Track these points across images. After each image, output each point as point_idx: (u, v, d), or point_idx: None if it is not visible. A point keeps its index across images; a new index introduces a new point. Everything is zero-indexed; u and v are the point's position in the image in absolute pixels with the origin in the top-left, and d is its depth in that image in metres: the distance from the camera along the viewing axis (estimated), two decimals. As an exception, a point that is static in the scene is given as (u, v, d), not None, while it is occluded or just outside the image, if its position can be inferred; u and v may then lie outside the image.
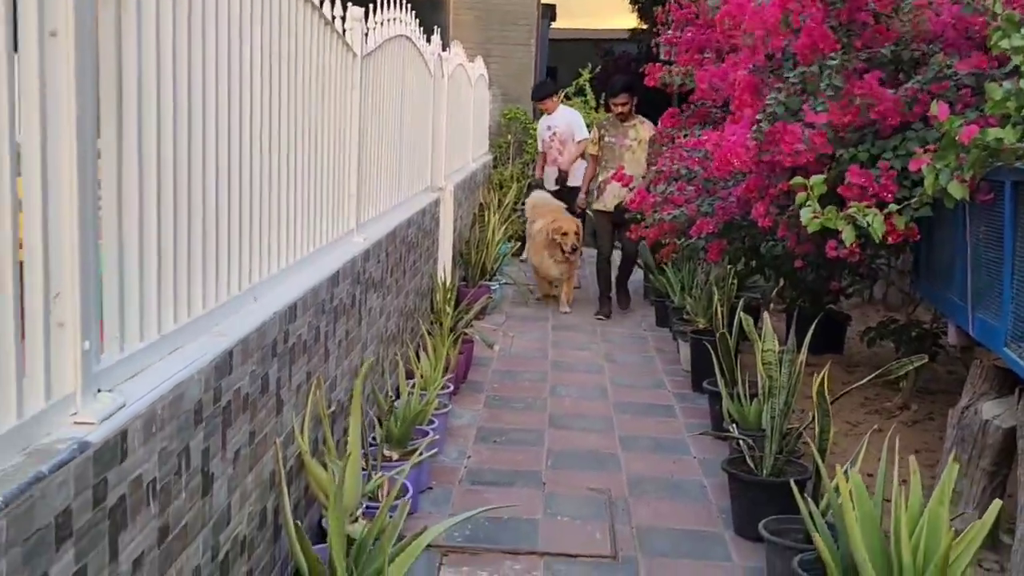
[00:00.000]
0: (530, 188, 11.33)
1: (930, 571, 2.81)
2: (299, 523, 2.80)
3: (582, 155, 9.92)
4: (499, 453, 5.33)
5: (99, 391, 2.04)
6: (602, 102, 13.46)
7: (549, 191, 10.22)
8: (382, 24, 5.13)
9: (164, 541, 2.27)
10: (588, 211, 9.27)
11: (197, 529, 2.48)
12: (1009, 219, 3.71)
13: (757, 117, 4.53)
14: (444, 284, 6.85)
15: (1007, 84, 3.51)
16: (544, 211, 9.27)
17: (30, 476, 1.68)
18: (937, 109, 3.73)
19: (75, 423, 1.93)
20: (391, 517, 3.22)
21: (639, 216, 6.73)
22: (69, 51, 1.87)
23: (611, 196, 8.73)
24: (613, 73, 14.36)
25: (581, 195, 9.18)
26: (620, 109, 8.79)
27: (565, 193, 10.00)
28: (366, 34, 4.70)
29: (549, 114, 10.53)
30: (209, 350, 2.57)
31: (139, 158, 2.27)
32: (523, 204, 10.86)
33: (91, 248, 1.99)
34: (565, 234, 8.63)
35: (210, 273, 2.76)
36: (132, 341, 2.27)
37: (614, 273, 9.12)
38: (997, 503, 3.01)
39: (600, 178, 8.86)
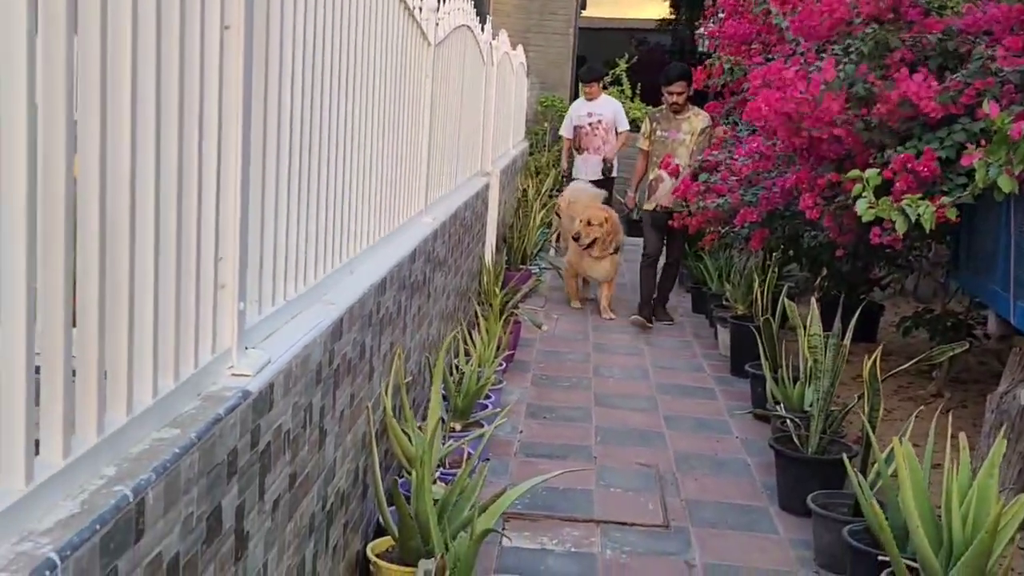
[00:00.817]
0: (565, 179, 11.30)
1: (980, 538, 3.02)
2: (396, 479, 3.03)
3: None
4: (549, 428, 5.57)
5: (246, 348, 2.28)
6: (638, 92, 13.62)
7: (591, 181, 9.85)
8: (449, 14, 5.35)
9: (293, 487, 2.51)
10: (637, 210, 8.54)
11: (314, 479, 2.72)
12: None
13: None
14: (492, 266, 7.08)
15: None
16: (578, 207, 8.70)
17: (211, 417, 1.92)
18: (988, 107, 3.95)
19: (232, 374, 2.16)
20: (470, 479, 3.45)
21: (683, 205, 6.95)
22: (239, 43, 2.10)
23: (663, 195, 7.98)
24: (647, 64, 14.46)
25: (630, 194, 8.51)
26: (675, 99, 7.98)
27: (609, 184, 9.86)
28: (437, 23, 4.92)
29: (590, 99, 10.19)
30: (325, 317, 2.80)
31: (278, 138, 2.50)
32: (558, 191, 10.92)
33: (247, 218, 2.22)
34: (581, 222, 8.16)
35: (320, 246, 2.99)
36: (267, 306, 2.50)
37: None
38: (1042, 478, 3.22)
39: (651, 176, 8.09)
